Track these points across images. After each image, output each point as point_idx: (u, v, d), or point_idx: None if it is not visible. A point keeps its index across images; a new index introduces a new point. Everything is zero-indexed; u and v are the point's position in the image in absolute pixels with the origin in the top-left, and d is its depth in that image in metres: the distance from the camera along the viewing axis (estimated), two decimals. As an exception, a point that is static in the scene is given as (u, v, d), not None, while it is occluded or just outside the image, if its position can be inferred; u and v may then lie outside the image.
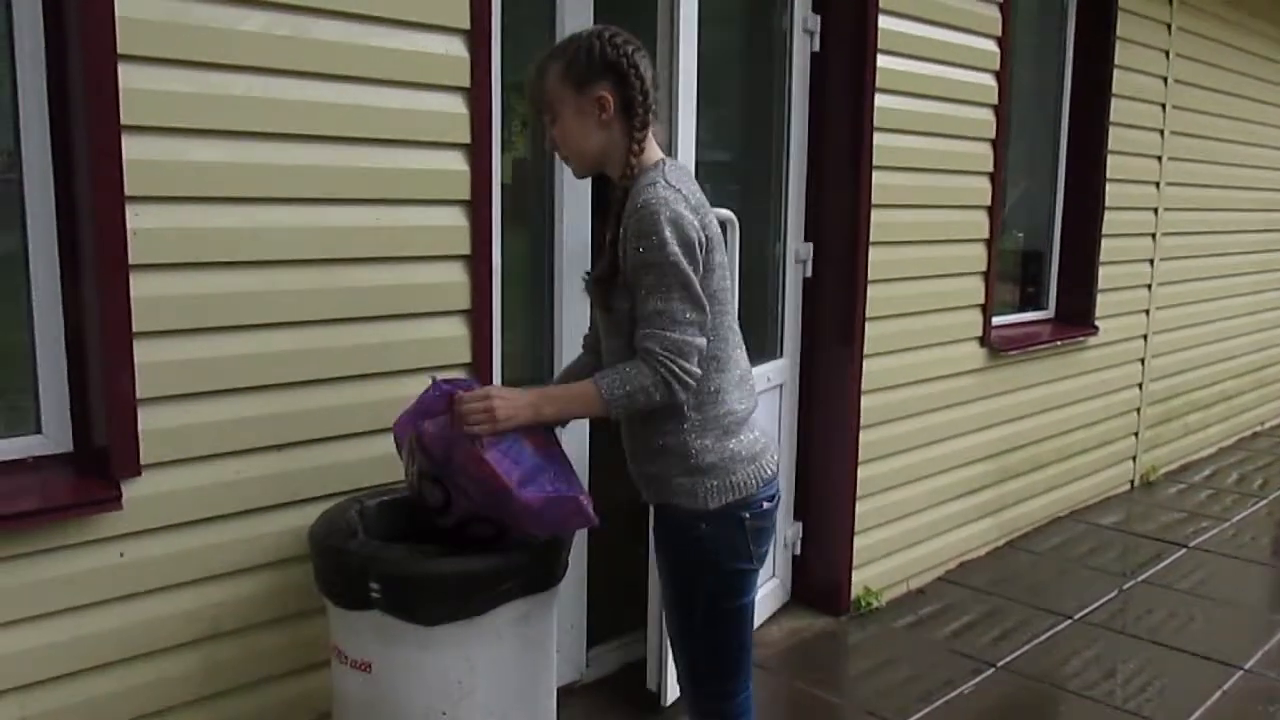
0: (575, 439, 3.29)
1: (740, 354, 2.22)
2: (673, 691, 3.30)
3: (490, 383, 2.84)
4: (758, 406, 2.26)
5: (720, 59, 3.83)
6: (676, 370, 2.01)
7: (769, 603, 4.01)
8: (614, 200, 2.15)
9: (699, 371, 2.06)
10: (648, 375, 2.02)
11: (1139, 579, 4.60)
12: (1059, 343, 5.12)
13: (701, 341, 2.05)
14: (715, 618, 2.21)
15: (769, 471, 2.20)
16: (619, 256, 2.08)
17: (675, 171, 2.11)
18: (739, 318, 2.27)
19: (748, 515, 2.16)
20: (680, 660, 2.31)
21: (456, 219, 2.77)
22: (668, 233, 1.99)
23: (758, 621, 3.86)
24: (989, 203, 4.47)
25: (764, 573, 2.62)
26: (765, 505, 2.19)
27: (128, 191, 2.22)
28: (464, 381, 2.26)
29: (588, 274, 2.24)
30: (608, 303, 2.13)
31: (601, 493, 2.40)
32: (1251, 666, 3.74)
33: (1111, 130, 5.23)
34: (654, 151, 2.17)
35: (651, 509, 2.27)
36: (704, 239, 2.07)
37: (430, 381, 2.21)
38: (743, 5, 3.84)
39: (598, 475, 3.14)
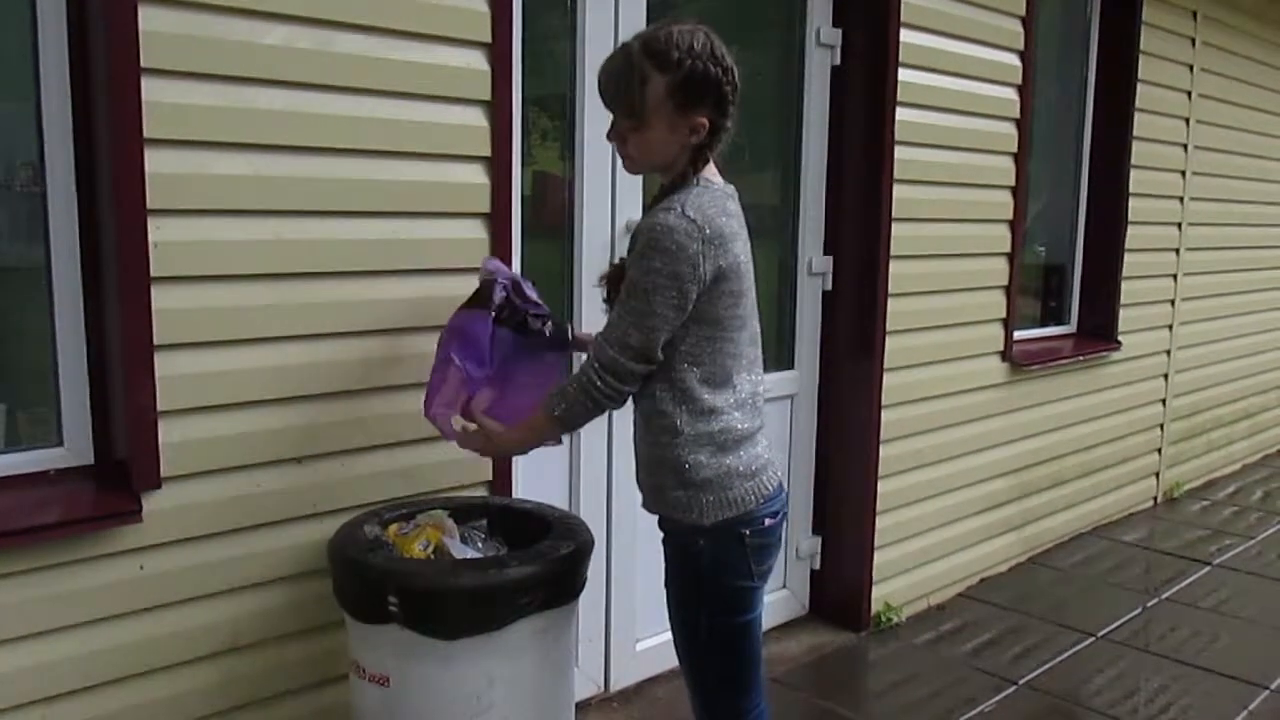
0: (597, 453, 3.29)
1: (746, 376, 2.17)
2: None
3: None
4: (764, 426, 2.23)
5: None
6: (599, 384, 2.07)
7: (775, 614, 4.00)
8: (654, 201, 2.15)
9: (628, 390, 2.09)
10: (574, 391, 2.11)
11: (1162, 596, 4.55)
12: (1081, 357, 5.08)
13: (636, 367, 2.05)
14: (719, 634, 2.18)
15: (770, 488, 2.17)
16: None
17: (700, 198, 2.05)
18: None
19: (748, 532, 2.13)
20: (689, 679, 2.27)
21: (476, 231, 2.77)
22: (657, 262, 1.99)
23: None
24: (1011, 216, 4.45)
25: (772, 583, 2.60)
26: (767, 522, 2.16)
27: (149, 205, 2.23)
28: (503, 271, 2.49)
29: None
30: (613, 301, 2.15)
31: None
32: (1277, 686, 3.69)
33: (1135, 145, 5.20)
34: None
35: (657, 521, 2.25)
36: (708, 273, 2.02)
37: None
38: (761, 20, 3.84)
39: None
